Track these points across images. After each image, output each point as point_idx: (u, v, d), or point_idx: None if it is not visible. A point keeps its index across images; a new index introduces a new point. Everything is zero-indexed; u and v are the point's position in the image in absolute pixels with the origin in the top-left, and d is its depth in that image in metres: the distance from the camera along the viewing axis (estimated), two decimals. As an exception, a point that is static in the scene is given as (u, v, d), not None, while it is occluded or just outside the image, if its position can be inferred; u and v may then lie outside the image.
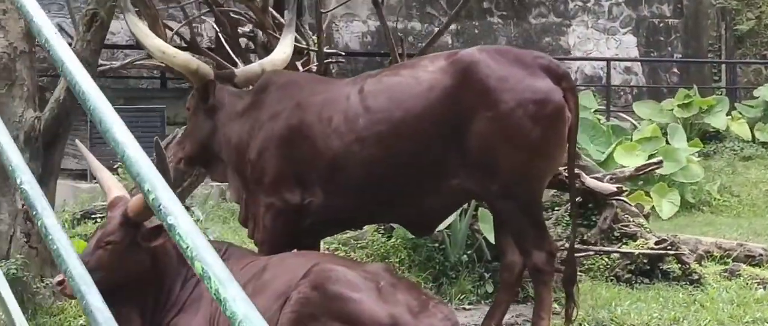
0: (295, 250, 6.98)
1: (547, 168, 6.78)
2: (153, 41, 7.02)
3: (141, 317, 6.36)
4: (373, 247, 9.49)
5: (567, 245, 9.28)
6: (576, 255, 9.31)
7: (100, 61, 8.28)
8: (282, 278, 6.00)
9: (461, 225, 9.14)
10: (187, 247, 2.63)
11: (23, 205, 7.87)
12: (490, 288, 8.94)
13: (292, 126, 6.83)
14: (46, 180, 7.95)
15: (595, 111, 19.09)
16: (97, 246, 6.22)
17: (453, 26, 23.83)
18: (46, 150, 7.91)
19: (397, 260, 9.17)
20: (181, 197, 10.84)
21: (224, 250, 6.59)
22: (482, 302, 8.81)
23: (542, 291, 6.78)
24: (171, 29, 8.90)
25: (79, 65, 3.39)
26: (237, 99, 7.10)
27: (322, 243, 9.85)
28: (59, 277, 6.19)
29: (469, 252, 9.15)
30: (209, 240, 6.86)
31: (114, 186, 6.60)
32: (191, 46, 7.84)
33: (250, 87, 7.27)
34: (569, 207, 9.77)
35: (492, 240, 8.90)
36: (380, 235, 9.51)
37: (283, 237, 6.92)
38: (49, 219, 3.62)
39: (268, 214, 6.92)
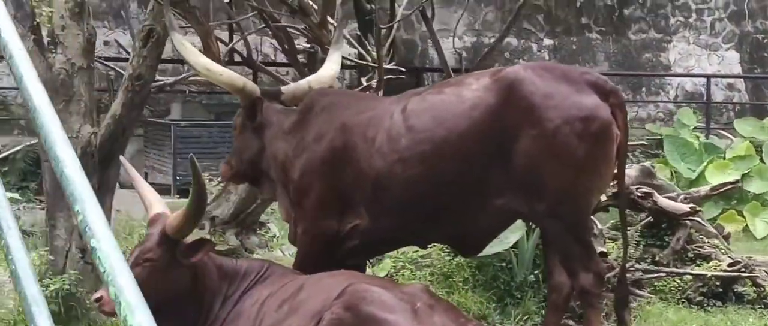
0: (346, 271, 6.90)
1: (594, 187, 6.59)
2: (198, 59, 6.97)
3: (180, 335, 6.30)
4: (437, 266, 9.32)
5: (635, 266, 9.09)
6: (647, 276, 9.11)
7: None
8: (317, 298, 5.90)
9: (528, 244, 8.94)
10: (105, 271, 2.54)
11: (80, 221, 7.88)
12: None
13: (335, 148, 6.75)
14: (102, 195, 7.94)
15: (694, 128, 18.68)
16: (135, 264, 6.17)
17: (550, 41, 23.59)
18: (102, 165, 7.90)
19: (461, 279, 8.98)
20: (256, 213, 10.83)
21: (265, 269, 6.51)
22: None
23: (590, 314, 6.58)
24: (226, 44, 8.85)
25: (37, 83, 3.32)
26: (284, 117, 7.03)
27: (389, 260, 9.84)
28: (97, 294, 6.16)
29: (536, 272, 8.93)
30: (253, 259, 6.86)
31: (155, 202, 6.57)
32: (247, 62, 7.78)
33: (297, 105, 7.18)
34: (640, 228, 9.57)
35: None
36: (445, 254, 9.33)
37: (319, 261, 6.79)
38: (13, 240, 3.56)
39: (304, 238, 6.87)
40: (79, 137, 7.92)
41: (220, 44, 8.33)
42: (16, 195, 9.30)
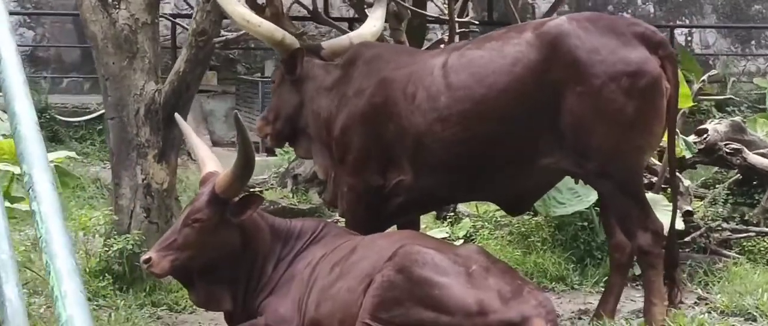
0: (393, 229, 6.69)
1: (644, 145, 6.24)
2: (235, 8, 6.78)
3: (233, 297, 6.16)
4: (515, 226, 9.05)
5: (722, 225, 8.70)
6: (735, 236, 8.71)
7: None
8: (368, 259, 5.73)
9: (611, 203, 8.59)
10: (41, 236, 2.33)
11: (143, 179, 7.78)
12: (637, 271, 8.37)
13: (376, 103, 6.53)
14: (166, 153, 7.84)
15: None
16: (185, 224, 6.03)
17: (655, -7, 22.97)
18: (167, 123, 7.75)
19: (540, 239, 8.70)
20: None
21: (320, 229, 6.32)
22: (628, 284, 8.27)
23: (651, 274, 6.27)
24: None
25: (6, 34, 3.11)
26: (325, 72, 6.81)
27: (468, 219, 9.59)
28: (146, 255, 6.04)
29: (619, 232, 8.58)
30: (308, 219, 6.66)
31: (209, 161, 6.40)
32: (313, 16, 7.55)
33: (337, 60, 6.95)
34: (729, 185, 9.18)
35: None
36: (525, 213, 9.03)
37: (366, 217, 6.65)
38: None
39: (350, 194, 6.69)
40: (143, 94, 7.78)
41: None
42: (72, 154, 9.16)
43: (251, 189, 11.70)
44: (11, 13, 19.49)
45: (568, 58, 6.03)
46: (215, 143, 16.87)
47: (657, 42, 6.14)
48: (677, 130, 8.40)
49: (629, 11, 22.85)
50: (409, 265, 5.43)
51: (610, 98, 5.99)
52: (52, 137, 16.87)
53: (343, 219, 7.11)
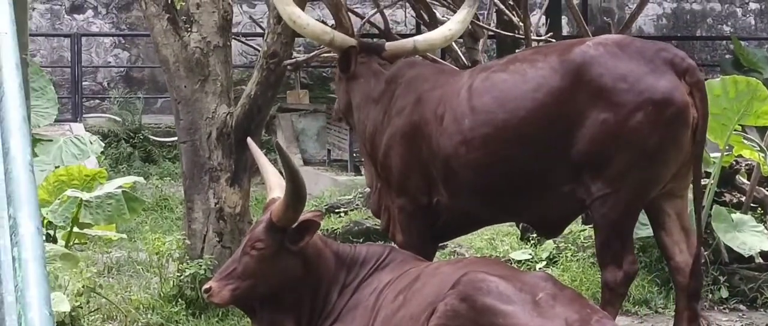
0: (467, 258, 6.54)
1: (657, 177, 6.03)
2: (285, 7, 6.68)
3: (297, 325, 6.03)
4: (591, 244, 8.82)
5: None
6: None
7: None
8: (432, 287, 5.57)
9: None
10: (17, 285, 2.22)
11: (216, 204, 7.73)
12: (725, 294, 8.19)
13: (413, 122, 6.44)
14: (239, 177, 7.79)
15: None
16: (244, 253, 5.92)
17: (756, 5, 22.52)
18: (238, 147, 7.69)
19: (623, 262, 8.44)
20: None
21: (385, 256, 6.16)
22: (715, 308, 8.08)
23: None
24: (361, 17, 8.52)
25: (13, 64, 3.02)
26: (375, 79, 6.69)
27: (552, 241, 9.39)
28: (207, 285, 5.96)
29: (705, 252, 8.32)
30: (373, 245, 6.54)
31: (276, 186, 6.28)
32: (385, 35, 7.42)
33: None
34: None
35: (728, 241, 8.15)
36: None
37: (422, 237, 6.56)
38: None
39: (401, 215, 6.58)
40: (215, 117, 7.75)
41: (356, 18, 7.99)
42: (140, 179, 9.18)
43: (337, 210, 11.78)
44: (107, 35, 19.91)
45: (592, 86, 5.86)
46: (306, 162, 16.86)
47: (685, 68, 5.92)
48: (765, 148, 8.15)
49: (729, 24, 22.40)
50: (473, 293, 5.27)
51: (635, 128, 5.82)
52: (146, 157, 17.04)
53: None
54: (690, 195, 6.38)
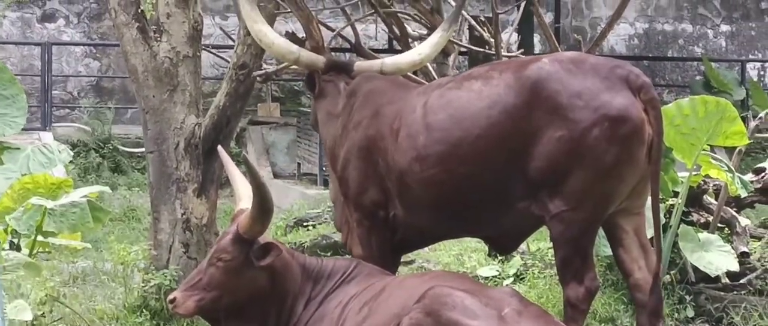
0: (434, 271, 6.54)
1: (614, 193, 6.04)
2: (254, 24, 6.76)
3: (262, 338, 6.01)
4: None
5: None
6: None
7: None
8: (398, 300, 5.60)
9: (664, 244, 8.33)
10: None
11: (183, 214, 7.69)
12: (690, 313, 8.17)
13: (370, 136, 6.46)
14: (206, 188, 7.76)
15: None
16: (210, 264, 5.93)
17: (727, 27, 22.65)
18: (206, 157, 7.66)
19: (590, 279, 8.44)
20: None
21: (352, 269, 6.16)
22: (680, 326, 8.06)
23: None
24: (332, 30, 8.51)
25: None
26: (338, 97, 6.76)
27: (518, 257, 9.39)
28: (172, 295, 5.94)
29: (672, 271, 8.34)
30: (340, 259, 6.53)
31: (245, 197, 6.25)
32: (356, 49, 7.41)
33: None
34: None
35: (695, 260, 8.15)
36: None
37: (381, 250, 6.55)
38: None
39: (360, 229, 6.59)
40: (183, 128, 7.72)
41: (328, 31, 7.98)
42: (106, 189, 9.14)
43: (305, 224, 11.74)
44: (78, 44, 19.81)
45: (548, 103, 5.87)
46: (276, 175, 16.87)
47: (640, 85, 5.94)
48: (733, 168, 8.16)
49: (700, 45, 22.52)
50: (438, 308, 5.29)
51: (591, 144, 5.83)
52: (115, 168, 16.98)
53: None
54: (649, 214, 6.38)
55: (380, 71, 6.83)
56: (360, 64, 6.93)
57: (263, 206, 5.75)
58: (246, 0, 6.80)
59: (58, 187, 8.23)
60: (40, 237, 7.72)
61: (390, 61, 7.00)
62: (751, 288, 8.34)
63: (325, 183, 14.65)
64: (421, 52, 6.94)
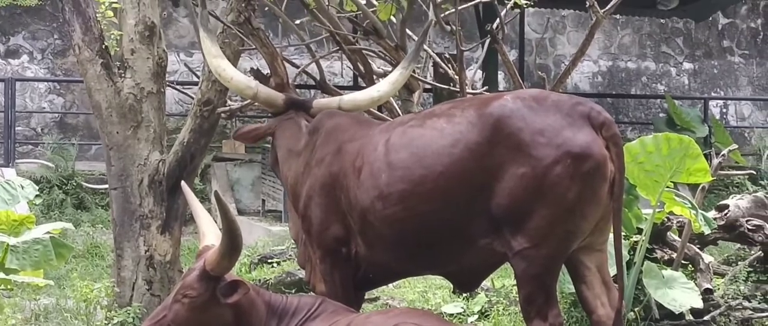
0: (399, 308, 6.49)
1: (577, 230, 6.01)
2: (212, 59, 6.75)
3: (227, 374, 5.96)
4: (529, 301, 8.82)
5: (743, 304, 8.44)
6: (757, 315, 8.44)
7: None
8: (362, 337, 5.52)
9: (628, 280, 8.35)
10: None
11: (146, 251, 7.64)
12: (654, 350, 8.16)
13: (332, 173, 6.44)
14: (170, 225, 7.73)
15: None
16: (175, 300, 5.87)
17: (690, 65, 22.81)
18: (170, 194, 7.62)
19: (554, 316, 8.45)
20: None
21: (317, 305, 6.12)
22: (645, 365, 8.06)
23: None
24: (297, 67, 8.51)
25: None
26: (299, 134, 6.76)
27: (483, 294, 9.38)
28: (135, 331, 5.89)
29: (636, 308, 8.35)
30: (305, 296, 6.50)
31: (209, 233, 6.23)
32: (320, 85, 7.42)
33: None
34: (751, 263, 8.94)
35: (659, 297, 8.17)
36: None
37: (344, 287, 6.52)
38: None
39: (323, 266, 6.55)
40: (147, 164, 7.70)
41: (293, 67, 7.99)
42: (69, 225, 9.07)
43: (269, 260, 11.68)
44: (42, 80, 19.74)
45: (511, 140, 5.85)
46: (241, 212, 16.77)
47: (601, 122, 5.93)
48: (696, 205, 8.20)
49: (663, 82, 22.67)
50: (402, 345, 5.25)
51: (553, 181, 5.80)
52: (79, 204, 16.85)
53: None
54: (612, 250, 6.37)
55: (339, 108, 6.83)
56: (319, 101, 6.93)
57: (233, 242, 5.72)
58: (206, 35, 6.80)
59: (21, 224, 8.16)
60: (2, 275, 7.65)
61: (348, 97, 7.00)
62: (715, 325, 8.38)
63: (290, 221, 14.61)
64: (380, 88, 6.93)
